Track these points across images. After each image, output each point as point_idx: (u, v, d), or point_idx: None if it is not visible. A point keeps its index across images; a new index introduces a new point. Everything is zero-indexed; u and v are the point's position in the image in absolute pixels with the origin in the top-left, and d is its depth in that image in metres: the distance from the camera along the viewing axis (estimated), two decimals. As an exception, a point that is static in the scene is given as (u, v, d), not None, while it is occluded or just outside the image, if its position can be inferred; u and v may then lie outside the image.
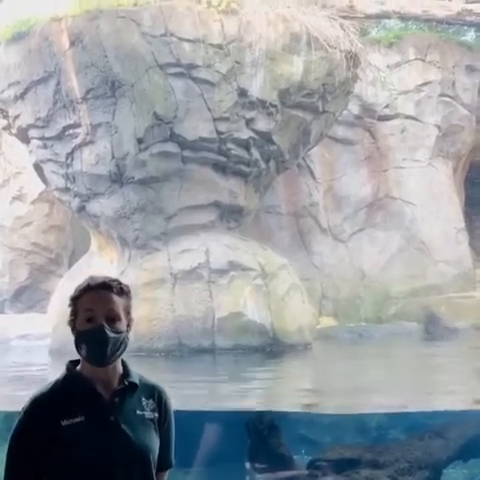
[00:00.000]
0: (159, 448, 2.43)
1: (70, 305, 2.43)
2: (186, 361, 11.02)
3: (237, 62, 11.38)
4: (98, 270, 11.11)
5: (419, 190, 16.04)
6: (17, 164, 16.03)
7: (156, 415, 2.45)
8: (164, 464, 2.49)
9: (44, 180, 12.78)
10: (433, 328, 14.21)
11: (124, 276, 10.89)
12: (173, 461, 2.55)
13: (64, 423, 2.33)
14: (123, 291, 2.44)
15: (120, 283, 2.45)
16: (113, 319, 2.38)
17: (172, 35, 11.19)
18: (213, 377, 9.91)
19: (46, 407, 2.36)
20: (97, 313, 2.37)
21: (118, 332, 2.37)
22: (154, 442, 2.42)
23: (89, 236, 13.10)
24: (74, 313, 2.41)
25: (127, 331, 2.42)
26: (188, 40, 11.21)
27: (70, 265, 15.22)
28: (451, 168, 16.53)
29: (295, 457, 7.10)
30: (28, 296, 16.20)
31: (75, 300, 2.42)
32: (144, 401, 2.44)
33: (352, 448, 7.02)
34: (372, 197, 16.21)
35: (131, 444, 2.35)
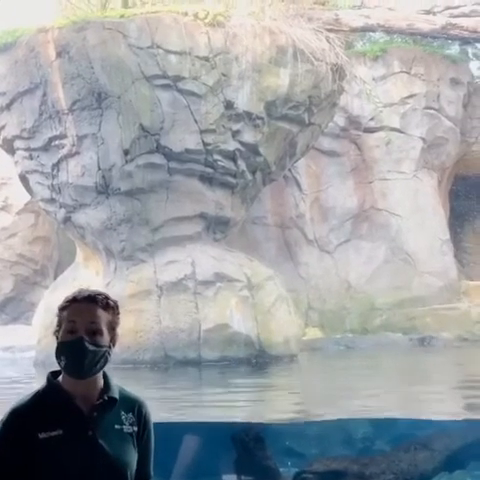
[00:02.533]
0: (137, 461, 2.42)
1: (57, 315, 2.43)
2: (172, 373, 10.98)
3: (223, 74, 11.42)
4: (84, 282, 11.08)
5: (404, 202, 16.14)
6: (2, 175, 15.98)
7: (135, 429, 2.43)
8: (142, 477, 2.48)
9: (30, 191, 12.74)
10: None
11: (110, 288, 10.87)
12: (151, 473, 2.54)
13: (42, 436, 2.31)
14: (109, 306, 2.42)
15: (107, 298, 2.43)
16: (94, 332, 2.36)
17: (159, 47, 11.22)
18: (199, 389, 9.88)
19: (24, 419, 2.34)
20: (79, 325, 2.36)
21: (98, 346, 2.36)
22: (132, 456, 2.41)
23: (75, 247, 13.06)
24: (59, 324, 2.41)
25: (109, 347, 2.40)
26: (175, 52, 11.24)
27: (55, 276, 15.16)
28: (436, 180, 16.66)
29: (281, 469, 7.09)
30: (13, 307, 16.11)
31: (61, 311, 2.41)
32: (123, 415, 2.43)
33: (338, 460, 7.01)
34: (358, 208, 16.30)
35: (108, 459, 2.34)
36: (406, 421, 7.38)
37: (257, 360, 11.31)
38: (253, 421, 7.57)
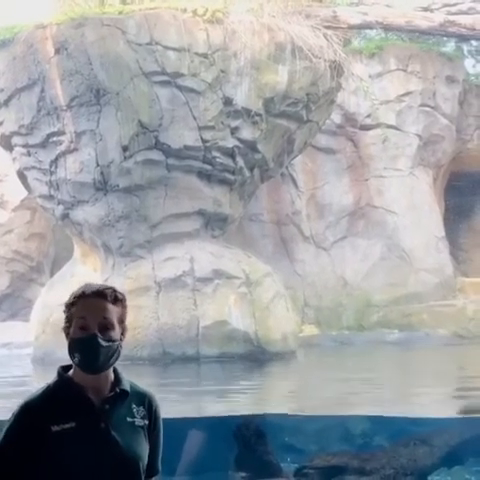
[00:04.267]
0: (148, 455, 2.44)
1: (65, 311, 2.42)
2: (170, 369, 10.99)
3: (222, 71, 11.43)
4: (81, 278, 11.07)
5: (400, 199, 16.18)
6: (-2, 171, 15.94)
7: (146, 422, 2.45)
8: (151, 471, 2.50)
9: (28, 187, 12.71)
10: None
11: (108, 284, 10.83)
12: (160, 468, 2.56)
13: (54, 429, 2.32)
14: (117, 299, 2.43)
15: (115, 291, 2.44)
16: (106, 327, 2.37)
17: (157, 43, 11.21)
18: (197, 385, 9.90)
19: (36, 412, 2.35)
20: (90, 321, 2.36)
21: (111, 341, 2.37)
22: (144, 449, 2.42)
23: (71, 244, 13.04)
24: (68, 320, 2.40)
25: (121, 339, 2.42)
26: (173, 49, 11.24)
27: (51, 273, 15.13)
28: (432, 177, 16.70)
29: (282, 465, 7.12)
30: (9, 304, 16.07)
31: (69, 307, 2.41)
32: (134, 408, 2.44)
33: (339, 455, 7.06)
34: (354, 206, 16.33)
35: (121, 451, 2.35)
36: (404, 418, 7.43)
37: (255, 356, 11.34)
38: (252, 414, 7.61)
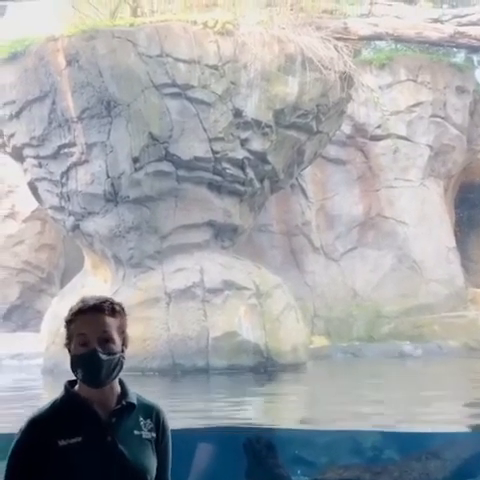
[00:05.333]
0: (156, 468, 2.43)
1: (65, 328, 2.44)
2: (180, 381, 10.97)
3: (232, 83, 11.46)
4: (92, 289, 11.09)
5: (411, 209, 16.14)
6: (10, 182, 16.01)
7: (154, 435, 2.44)
8: None
9: (39, 199, 12.76)
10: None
11: (118, 295, 10.86)
12: None
13: (61, 443, 2.32)
14: (115, 311, 2.43)
15: (112, 303, 2.44)
16: (106, 341, 2.38)
17: (168, 55, 11.26)
18: (207, 397, 9.86)
19: (43, 427, 2.35)
20: (90, 337, 2.37)
21: (112, 354, 2.37)
22: (151, 462, 2.42)
23: (81, 255, 13.07)
24: (69, 337, 2.42)
25: (122, 350, 2.42)
26: (184, 61, 11.28)
27: (62, 284, 15.17)
28: (442, 188, 16.66)
29: (292, 478, 7.07)
30: (19, 315, 16.11)
31: (69, 324, 2.42)
32: (142, 421, 2.44)
33: (351, 469, 7.01)
34: (364, 216, 16.30)
35: (128, 464, 2.35)
36: (415, 433, 7.38)
37: (265, 368, 11.30)
38: (262, 427, 7.57)
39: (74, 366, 2.38)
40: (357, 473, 6.90)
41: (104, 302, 2.42)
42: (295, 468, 7.31)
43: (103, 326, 2.38)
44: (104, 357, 2.35)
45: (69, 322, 2.42)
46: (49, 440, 2.33)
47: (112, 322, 2.40)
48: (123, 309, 2.46)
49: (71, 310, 2.42)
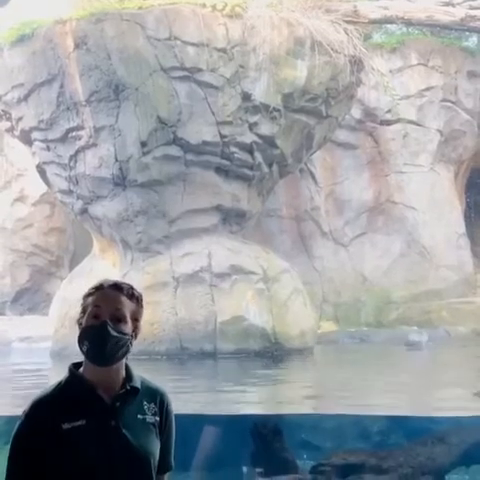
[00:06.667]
0: (159, 451, 2.44)
1: (81, 304, 2.44)
2: (188, 365, 11.00)
3: (241, 66, 11.38)
4: (100, 273, 11.12)
5: (421, 195, 16.06)
6: (19, 166, 16.05)
7: (157, 419, 2.45)
8: (164, 467, 2.50)
9: (47, 182, 12.77)
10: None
11: (126, 279, 10.83)
12: (173, 464, 2.56)
13: (65, 426, 2.32)
14: (134, 295, 2.44)
15: (132, 288, 2.46)
16: (118, 319, 2.38)
17: (176, 39, 11.19)
18: (215, 381, 9.89)
19: (47, 410, 2.36)
20: (103, 310, 2.38)
21: (121, 333, 2.37)
22: (155, 446, 2.42)
23: (90, 238, 13.09)
24: (83, 310, 2.42)
25: (132, 336, 2.42)
26: (192, 44, 11.21)
27: (71, 267, 15.22)
28: (452, 173, 16.56)
29: (298, 462, 7.09)
30: (29, 298, 16.20)
31: (86, 297, 2.43)
32: (146, 405, 2.44)
33: (356, 453, 7.01)
34: (374, 201, 16.24)
35: (132, 448, 2.35)
36: (421, 417, 7.37)
37: (273, 353, 11.31)
38: (269, 413, 7.58)
39: (81, 338, 2.38)
40: (363, 458, 6.90)
41: (125, 284, 2.45)
42: (301, 452, 7.33)
43: (118, 304, 2.39)
44: (113, 332, 2.35)
45: (87, 296, 2.43)
46: (53, 423, 2.33)
47: (128, 304, 2.41)
48: (141, 299, 2.47)
49: (92, 286, 2.45)
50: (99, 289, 2.42)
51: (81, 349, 2.39)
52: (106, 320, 2.36)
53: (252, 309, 11.33)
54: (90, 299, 2.41)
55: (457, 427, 7.32)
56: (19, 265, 16.25)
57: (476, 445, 7.17)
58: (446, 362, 11.77)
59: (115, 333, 2.35)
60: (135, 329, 2.43)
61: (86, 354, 2.39)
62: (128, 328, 2.40)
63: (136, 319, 2.44)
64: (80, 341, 2.39)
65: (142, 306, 2.47)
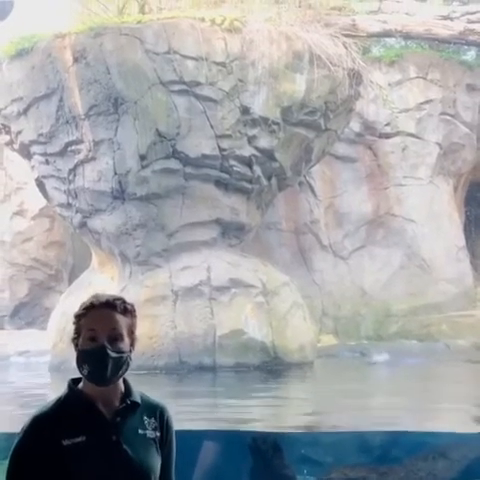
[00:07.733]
0: (160, 466, 2.41)
1: (74, 323, 2.41)
2: (186, 379, 10.94)
3: (240, 80, 11.41)
4: (99, 287, 11.08)
5: (420, 208, 16.05)
6: (18, 179, 16.05)
7: (158, 434, 2.42)
8: None
9: (46, 196, 12.77)
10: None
11: (125, 293, 10.85)
12: (173, 479, 2.53)
13: (65, 443, 2.30)
14: (127, 310, 2.41)
15: (124, 302, 2.42)
16: (115, 339, 2.36)
17: (175, 52, 11.22)
18: (214, 395, 9.83)
19: (47, 426, 2.33)
20: (99, 332, 2.34)
21: (120, 352, 2.35)
22: (155, 461, 2.40)
23: (89, 252, 13.07)
24: (77, 331, 2.39)
25: (130, 351, 2.40)
26: (191, 58, 11.24)
27: (70, 281, 15.19)
28: (452, 186, 16.56)
29: (298, 477, 7.03)
30: (27, 312, 16.15)
31: (79, 318, 2.40)
32: (146, 420, 2.42)
33: (357, 469, 6.96)
34: (373, 214, 16.23)
35: (132, 464, 2.33)
36: (422, 433, 7.32)
37: (272, 367, 11.26)
38: (269, 430, 7.53)
39: (80, 361, 2.35)
40: (363, 473, 6.85)
41: (117, 300, 2.40)
42: (301, 467, 7.27)
43: (114, 323, 2.36)
44: (113, 354, 2.33)
45: (79, 316, 2.39)
46: (53, 439, 2.30)
47: (123, 321, 2.38)
48: (134, 310, 2.44)
49: (82, 305, 2.40)
50: (91, 309, 2.37)
51: (81, 372, 2.37)
52: (104, 343, 2.33)
53: (251, 323, 11.30)
54: (83, 321, 2.37)
55: (458, 442, 7.27)
56: (18, 279, 16.21)
57: (478, 461, 7.12)
58: (445, 376, 11.71)
59: (114, 354, 2.33)
60: (132, 342, 2.42)
61: (87, 377, 2.36)
62: (126, 345, 2.38)
63: (132, 332, 2.42)
64: (79, 364, 2.36)
65: (136, 316, 2.44)
